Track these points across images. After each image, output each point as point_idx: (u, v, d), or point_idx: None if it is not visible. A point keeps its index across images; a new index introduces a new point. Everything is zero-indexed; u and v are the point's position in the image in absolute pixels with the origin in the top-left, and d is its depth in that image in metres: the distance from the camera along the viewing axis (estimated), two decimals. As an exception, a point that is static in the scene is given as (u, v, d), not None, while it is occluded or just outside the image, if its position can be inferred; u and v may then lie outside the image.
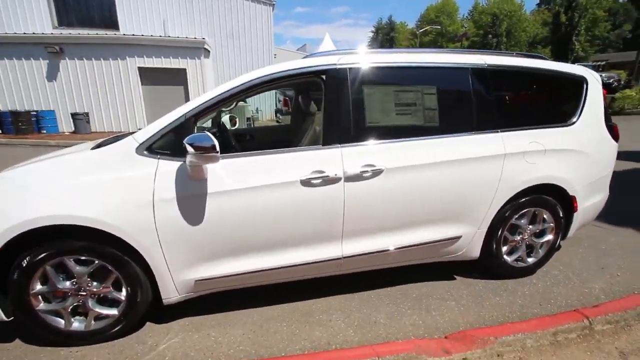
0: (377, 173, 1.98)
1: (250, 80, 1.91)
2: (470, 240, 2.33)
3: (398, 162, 2.02)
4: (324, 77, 2.00)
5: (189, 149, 1.60)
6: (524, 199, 2.35)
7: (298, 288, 2.32)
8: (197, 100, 1.86)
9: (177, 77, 12.33)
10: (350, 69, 2.02)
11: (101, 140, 2.33)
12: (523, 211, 2.41)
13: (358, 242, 2.09)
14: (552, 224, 2.52)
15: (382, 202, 2.04)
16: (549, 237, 2.55)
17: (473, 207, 2.24)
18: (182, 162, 1.77)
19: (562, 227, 2.55)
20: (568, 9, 28.28)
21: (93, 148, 1.94)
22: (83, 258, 1.76)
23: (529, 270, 2.60)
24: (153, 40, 11.89)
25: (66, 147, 3.04)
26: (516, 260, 2.54)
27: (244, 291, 2.18)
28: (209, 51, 13.63)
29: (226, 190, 1.80)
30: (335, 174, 1.91)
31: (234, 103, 3.33)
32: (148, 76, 12.12)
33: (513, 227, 2.46)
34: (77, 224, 1.64)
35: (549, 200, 2.43)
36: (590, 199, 2.60)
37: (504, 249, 2.48)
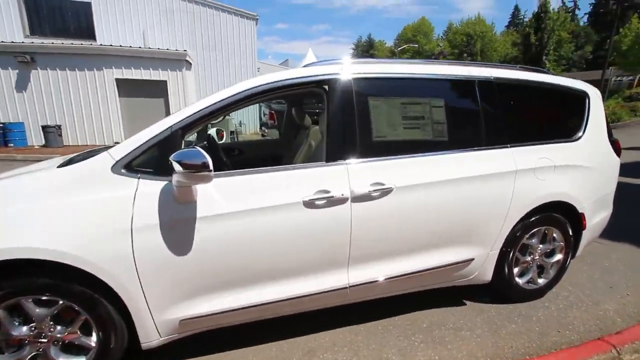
0: (386, 192, 1.79)
1: (245, 90, 1.71)
2: (482, 262, 2.17)
3: (408, 180, 1.85)
4: (326, 87, 1.82)
5: (177, 167, 1.36)
6: (534, 218, 2.23)
7: (297, 319, 2.07)
8: (186, 110, 1.64)
9: (157, 90, 11.94)
10: (354, 79, 1.85)
11: (72, 155, 2.04)
12: (533, 230, 2.29)
13: (366, 269, 1.88)
14: (562, 243, 2.41)
15: (392, 224, 1.85)
16: (559, 256, 2.44)
17: (485, 226, 2.09)
18: (167, 182, 1.52)
19: (572, 246, 2.44)
20: (537, 30, 29.94)
21: (61, 165, 1.66)
22: (44, 298, 1.47)
23: (540, 292, 2.46)
24: (132, 51, 11.50)
25: (35, 162, 2.71)
26: (527, 282, 2.40)
27: (236, 325, 1.91)
28: (190, 63, 13.34)
29: (219, 214, 1.56)
30: (342, 194, 1.71)
31: (224, 115, 3.11)
32: (126, 88, 11.66)
33: (524, 247, 2.32)
34: (37, 257, 1.36)
35: (559, 219, 2.32)
36: (597, 215, 2.51)
37: (516, 270, 2.34)
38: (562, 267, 2.46)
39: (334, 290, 1.83)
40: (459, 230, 2.03)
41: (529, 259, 2.36)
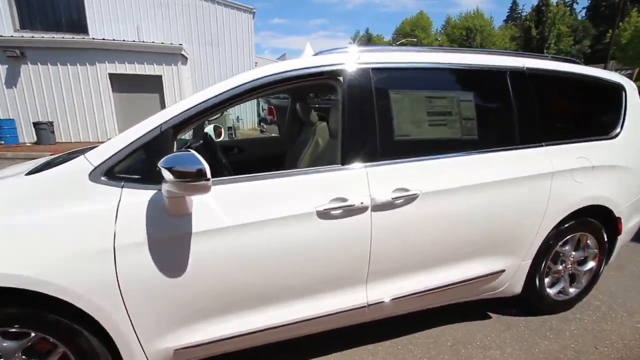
0: (411, 199, 1.56)
1: (248, 82, 1.46)
2: (513, 273, 1.95)
3: (435, 185, 1.61)
4: (340, 78, 1.58)
5: (167, 175, 1.12)
6: (568, 224, 2.01)
7: (306, 338, 1.84)
8: (178, 106, 1.39)
9: (152, 85, 11.60)
10: (373, 69, 1.61)
11: (46, 160, 1.78)
12: (567, 237, 2.07)
13: (386, 285, 1.66)
14: (595, 250, 2.19)
15: (417, 235, 1.63)
16: (592, 264, 2.22)
17: (518, 235, 1.87)
18: (156, 192, 1.28)
19: (606, 253, 2.23)
20: (538, 24, 29.62)
21: (29, 172, 1.41)
22: (13, 330, 1.23)
23: (571, 303, 2.25)
24: (126, 46, 11.14)
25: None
26: (558, 292, 2.19)
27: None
28: (186, 58, 12.99)
29: (219, 228, 1.32)
30: (362, 202, 1.48)
31: (222, 111, 2.86)
32: (120, 83, 11.31)
33: (556, 255, 2.11)
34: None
35: (594, 224, 2.11)
36: (633, 219, 2.30)
37: (547, 280, 2.13)
38: (595, 276, 2.25)
39: (352, 309, 1.61)
40: (489, 240, 1.81)
41: (560, 267, 2.15)
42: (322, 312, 1.56)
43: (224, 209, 1.34)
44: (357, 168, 1.53)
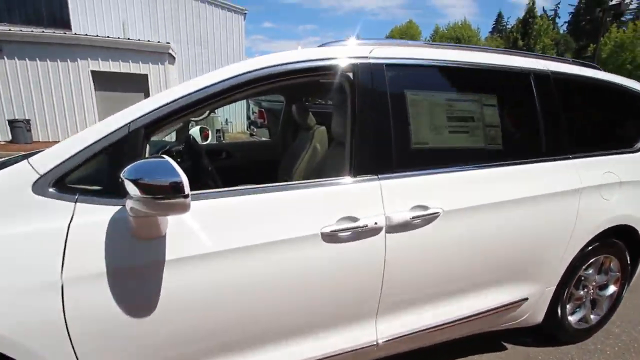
0: (431, 218, 1.33)
1: (243, 74, 1.20)
2: (536, 301, 1.74)
3: (458, 202, 1.39)
4: (350, 75, 1.34)
5: (132, 189, 0.85)
6: (592, 246, 1.82)
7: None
8: (153, 101, 1.12)
9: (137, 84, 11.14)
10: (387, 65, 1.37)
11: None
12: (591, 260, 1.87)
13: (399, 318, 1.42)
14: (618, 273, 2.01)
15: (435, 260, 1.39)
16: (614, 288, 2.04)
17: (545, 258, 1.66)
18: (121, 207, 1.01)
19: (628, 276, 2.05)
20: (524, 35, 30.34)
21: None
22: None
23: (590, 331, 2.05)
24: (109, 42, 10.68)
25: None
26: (579, 320, 1.99)
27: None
28: (174, 57, 12.59)
29: (201, 255, 1.05)
30: (375, 223, 1.23)
31: (209, 111, 2.58)
32: (103, 81, 10.82)
33: (578, 280, 1.91)
34: None
35: (619, 245, 1.92)
36: None
37: (569, 307, 1.92)
38: (616, 301, 2.06)
39: (358, 349, 1.35)
40: (514, 264, 1.59)
41: (582, 293, 1.95)
42: (323, 354, 1.30)
43: (208, 230, 1.07)
44: (370, 181, 1.29)
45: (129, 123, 1.06)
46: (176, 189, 0.85)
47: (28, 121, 10.24)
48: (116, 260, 0.97)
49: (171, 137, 2.88)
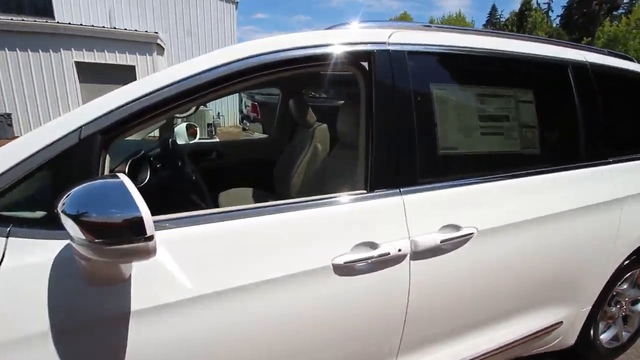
0: (463, 240, 1.10)
1: (237, 62, 0.93)
2: (570, 324, 1.53)
3: (494, 219, 1.16)
4: (365, 65, 1.09)
5: (72, 229, 0.60)
6: (631, 259, 1.62)
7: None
8: (114, 97, 0.86)
9: (124, 75, 10.64)
10: (410, 53, 1.13)
11: None
12: (627, 275, 1.68)
13: (424, 357, 1.19)
14: (650, 287, 1.82)
15: (466, 288, 1.17)
16: (645, 303, 1.85)
17: (582, 278, 1.45)
18: (69, 242, 0.75)
19: (660, 290, 1.86)
20: (519, 28, 30.18)
21: None
22: None
23: (621, 350, 1.87)
24: (94, 31, 10.20)
25: None
26: (612, 339, 1.80)
27: None
28: (162, 48, 12.11)
29: (178, 301, 0.81)
30: (399, 249, 1.00)
31: (195, 107, 2.31)
32: (88, 73, 10.34)
33: (612, 296, 1.71)
34: None
35: (655, 257, 1.73)
36: None
37: (601, 326, 1.73)
38: (648, 316, 1.88)
39: (375, 396, 1.13)
40: (551, 287, 1.38)
41: (614, 310, 1.76)
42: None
43: (186, 268, 0.83)
44: (390, 196, 1.05)
45: (80, 128, 0.80)
46: (135, 229, 0.60)
47: (9, 115, 9.77)
48: (63, 315, 0.73)
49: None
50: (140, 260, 0.66)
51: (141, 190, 0.65)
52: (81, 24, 10.45)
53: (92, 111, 0.83)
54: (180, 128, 2.59)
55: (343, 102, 1.56)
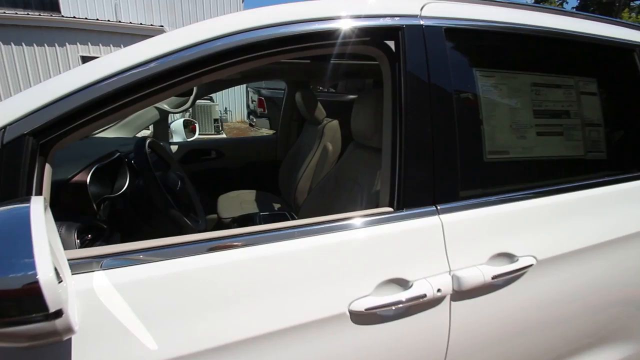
0: (520, 274, 0.84)
1: (230, 35, 0.70)
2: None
3: (556, 244, 0.90)
4: (390, 44, 0.84)
5: None
6: None
7: None
8: (56, 84, 0.63)
9: (130, 70, 10.57)
10: (448, 29, 0.87)
11: None
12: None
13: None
14: None
15: (519, 332, 0.92)
16: None
17: None
18: None
19: None
20: (534, 20, 29.28)
21: None
22: None
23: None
24: (100, 25, 10.10)
25: None
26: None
27: None
28: (169, 42, 11.94)
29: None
30: (438, 290, 0.75)
31: (192, 100, 2.07)
32: (94, 67, 10.25)
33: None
34: None
35: None
36: None
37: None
38: None
39: None
40: (617, 322, 1.12)
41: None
42: None
43: (152, 319, 0.60)
44: (425, 215, 0.80)
45: (3, 128, 0.57)
46: (33, 301, 0.36)
47: (16, 110, 9.75)
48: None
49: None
50: (50, 342, 0.43)
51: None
52: (86, 18, 10.33)
53: (20, 106, 0.60)
54: (177, 124, 2.37)
55: (359, 93, 1.30)
